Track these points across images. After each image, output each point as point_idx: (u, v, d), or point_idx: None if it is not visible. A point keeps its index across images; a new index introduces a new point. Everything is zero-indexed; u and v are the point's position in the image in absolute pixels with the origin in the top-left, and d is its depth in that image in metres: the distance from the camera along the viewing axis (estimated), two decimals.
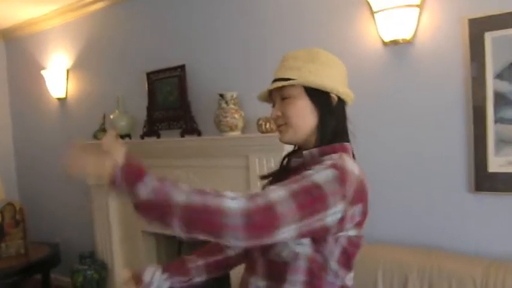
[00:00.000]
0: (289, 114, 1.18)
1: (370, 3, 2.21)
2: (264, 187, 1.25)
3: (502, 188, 1.97)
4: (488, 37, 1.97)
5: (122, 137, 3.25)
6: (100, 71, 3.62)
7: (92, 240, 3.62)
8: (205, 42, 2.93)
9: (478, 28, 1.98)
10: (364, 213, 1.11)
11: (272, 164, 2.45)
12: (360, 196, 1.09)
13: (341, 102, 1.22)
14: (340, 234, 1.08)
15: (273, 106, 1.23)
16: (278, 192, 0.99)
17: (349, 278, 1.16)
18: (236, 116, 2.65)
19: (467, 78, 2.02)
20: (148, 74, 3.12)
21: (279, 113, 1.20)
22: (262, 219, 0.95)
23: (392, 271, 2.01)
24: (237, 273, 2.66)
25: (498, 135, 1.97)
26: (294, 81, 1.16)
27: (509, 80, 1.93)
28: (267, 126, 2.48)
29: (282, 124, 1.20)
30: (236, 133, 2.67)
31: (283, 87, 1.18)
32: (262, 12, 2.67)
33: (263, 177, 1.29)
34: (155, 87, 3.10)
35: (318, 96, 1.18)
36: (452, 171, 2.09)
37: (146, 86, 3.15)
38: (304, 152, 1.19)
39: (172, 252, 3.42)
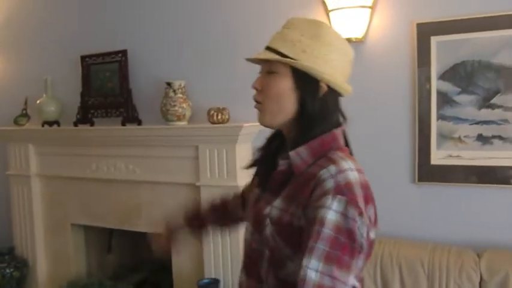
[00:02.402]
0: (268, 93, 1.08)
1: (326, 2, 2.28)
2: (250, 188, 1.26)
3: (442, 179, 2.18)
4: (434, 41, 2.15)
5: (50, 123, 3.00)
6: (21, 51, 3.28)
7: (9, 236, 3.30)
8: (149, 27, 2.80)
9: (425, 32, 2.16)
10: (375, 209, 1.04)
11: (224, 155, 2.44)
12: (367, 196, 1.01)
13: (332, 92, 1.08)
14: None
15: (260, 72, 1.13)
16: (312, 265, 0.92)
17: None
18: (184, 105, 2.59)
19: (414, 77, 2.19)
20: (84, 58, 2.91)
21: (259, 87, 1.10)
22: None
23: None
24: (178, 269, 2.63)
25: (439, 130, 2.17)
26: (279, 58, 1.05)
27: (450, 81, 2.13)
28: (218, 116, 2.46)
29: (259, 102, 1.11)
30: (183, 123, 2.61)
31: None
32: (215, 1, 2.63)
33: (248, 167, 1.25)
34: (91, 72, 2.90)
35: (305, 81, 1.05)
36: (398, 164, 2.26)
37: (80, 70, 2.93)
38: (290, 154, 1.07)
39: (103, 246, 3.26)
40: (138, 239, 3.09)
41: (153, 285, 3.03)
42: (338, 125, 1.12)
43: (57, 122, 3.03)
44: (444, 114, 2.16)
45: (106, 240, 3.25)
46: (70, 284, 2.90)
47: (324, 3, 2.30)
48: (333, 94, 1.09)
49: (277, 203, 1.07)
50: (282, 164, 1.10)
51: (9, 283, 3.05)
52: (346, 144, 1.14)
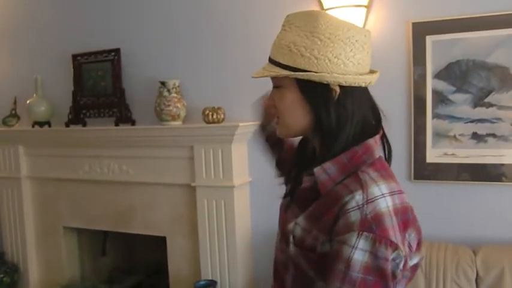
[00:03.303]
0: (280, 108, 1.00)
1: (321, 1, 2.29)
2: (285, 203, 1.10)
3: (438, 177, 2.21)
4: (429, 40, 2.17)
5: (40, 124, 2.96)
6: (10, 49, 3.22)
7: None
8: (143, 25, 2.77)
9: (420, 31, 2.17)
10: (418, 232, 0.96)
11: (220, 155, 2.43)
12: (406, 221, 0.90)
13: (350, 91, 0.94)
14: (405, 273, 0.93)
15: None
16: None
17: None
18: (179, 105, 2.57)
19: (409, 76, 2.21)
20: (75, 56, 2.87)
21: (271, 102, 1.02)
22: None
23: None
24: (175, 271, 2.61)
25: (435, 129, 2.19)
26: (272, 74, 0.96)
27: (445, 79, 2.16)
28: (214, 116, 2.45)
29: (276, 115, 1.03)
30: (178, 123, 2.59)
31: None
32: (210, 0, 2.61)
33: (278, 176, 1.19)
34: (83, 71, 2.87)
35: (312, 89, 0.94)
36: (394, 162, 2.23)
37: (72, 69, 2.89)
38: (315, 170, 0.95)
39: (96, 249, 3.23)
40: (133, 241, 3.07)
41: None
42: (373, 130, 0.99)
43: (48, 123, 2.98)
44: (439, 113, 2.18)
45: (100, 243, 3.21)
46: None
47: (319, 2, 2.30)
48: (352, 93, 0.95)
49: (301, 220, 0.97)
50: (306, 181, 1.00)
51: None
52: (387, 150, 1.04)
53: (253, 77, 1.02)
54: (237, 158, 2.45)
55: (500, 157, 2.11)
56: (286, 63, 0.94)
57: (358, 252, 0.84)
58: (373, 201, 0.87)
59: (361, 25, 2.26)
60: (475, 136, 2.13)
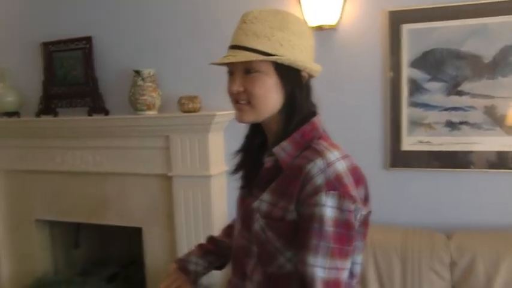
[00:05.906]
0: (256, 94, 1.04)
1: None
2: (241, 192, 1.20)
3: (413, 165, 2.23)
4: (405, 29, 2.18)
5: (9, 115, 2.86)
6: None
7: None
8: (117, 11, 2.70)
9: (396, 20, 2.19)
10: (366, 188, 1.07)
11: (196, 144, 2.40)
12: (357, 179, 1.03)
13: (310, 77, 1.11)
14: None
15: (230, 75, 1.08)
16: (319, 263, 0.97)
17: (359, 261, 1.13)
18: (154, 94, 2.52)
19: (385, 64, 2.22)
20: (45, 44, 2.78)
21: (241, 89, 1.05)
22: None
23: None
24: (151, 262, 2.58)
25: (410, 117, 2.22)
26: (267, 57, 1.01)
27: (420, 68, 2.18)
28: (190, 105, 2.42)
29: (243, 101, 1.06)
30: (153, 112, 2.54)
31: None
32: None
33: (233, 173, 1.21)
34: (54, 60, 2.78)
35: (289, 74, 1.04)
36: (369, 150, 2.29)
37: (41, 58, 2.80)
38: (274, 150, 1.07)
39: (69, 243, 3.16)
40: (107, 232, 3.01)
41: (124, 280, 2.96)
42: (314, 112, 1.12)
43: (17, 113, 2.88)
44: (414, 101, 2.20)
45: (73, 235, 3.14)
46: (35, 283, 2.80)
47: None
48: (309, 79, 1.12)
49: (265, 196, 1.06)
50: (268, 161, 1.10)
51: None
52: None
53: (223, 63, 1.05)
54: (213, 147, 2.43)
55: (473, 144, 2.15)
56: (266, 51, 1.02)
57: (329, 209, 0.97)
58: (332, 164, 0.99)
59: (338, 13, 2.25)
60: (449, 124, 2.17)
